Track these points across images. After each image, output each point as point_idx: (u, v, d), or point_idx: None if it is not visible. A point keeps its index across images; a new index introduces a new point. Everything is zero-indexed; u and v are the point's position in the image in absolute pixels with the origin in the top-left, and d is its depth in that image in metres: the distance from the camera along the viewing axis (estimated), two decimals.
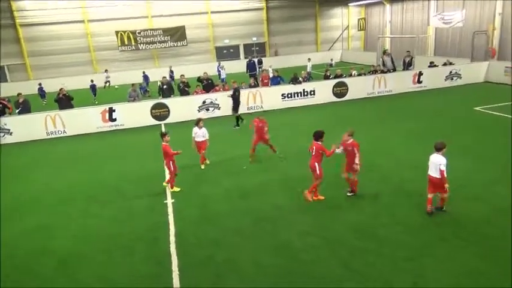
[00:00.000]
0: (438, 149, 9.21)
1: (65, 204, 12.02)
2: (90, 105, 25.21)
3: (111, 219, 10.77)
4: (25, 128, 20.45)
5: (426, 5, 38.35)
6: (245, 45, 48.72)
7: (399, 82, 25.52)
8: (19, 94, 21.89)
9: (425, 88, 25.82)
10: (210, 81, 23.61)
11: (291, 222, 9.77)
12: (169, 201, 11.60)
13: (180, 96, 23.50)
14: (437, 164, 9.06)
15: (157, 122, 21.82)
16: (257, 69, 35.08)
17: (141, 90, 29.42)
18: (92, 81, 32.22)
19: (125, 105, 22.10)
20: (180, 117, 21.61)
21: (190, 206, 11.13)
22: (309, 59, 37.33)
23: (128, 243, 9.43)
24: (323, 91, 24.30)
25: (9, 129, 20.26)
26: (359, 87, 24.87)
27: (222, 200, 11.43)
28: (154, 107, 21.97)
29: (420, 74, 25.80)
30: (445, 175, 9.04)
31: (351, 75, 26.22)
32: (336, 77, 25.59)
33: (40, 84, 33.62)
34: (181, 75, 25.02)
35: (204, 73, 24.03)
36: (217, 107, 22.37)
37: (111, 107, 21.38)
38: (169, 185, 12.35)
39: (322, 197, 10.84)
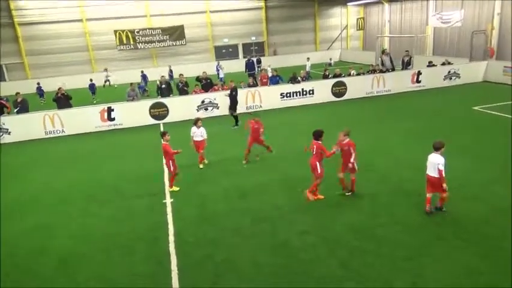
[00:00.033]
0: (436, 149, 9.22)
1: (64, 203, 12.02)
2: (88, 104, 25.23)
3: (110, 219, 10.78)
4: (23, 127, 20.42)
5: (425, 5, 38.37)
6: (244, 45, 48.70)
7: (398, 82, 25.53)
8: (17, 93, 21.86)
9: (424, 88, 25.84)
10: (209, 81, 23.58)
11: (290, 222, 9.77)
12: (168, 200, 11.60)
13: (178, 95, 23.49)
14: (435, 163, 9.07)
15: (156, 122, 21.81)
16: (256, 69, 35.10)
17: (139, 90, 29.40)
18: (91, 80, 32.20)
19: (123, 105, 22.08)
20: (179, 117, 21.60)
21: (190, 206, 11.13)
22: (308, 59, 37.35)
23: (127, 242, 9.43)
24: (322, 91, 24.31)
25: (7, 129, 20.24)
26: (358, 86, 24.89)
27: (221, 199, 11.43)
28: (153, 107, 21.96)
29: (419, 73, 25.81)
30: (444, 175, 9.05)
31: (349, 75, 26.27)
32: (334, 76, 25.61)
33: (38, 83, 33.67)
34: (180, 75, 24.98)
35: (203, 72, 24.01)
36: (216, 106, 22.36)
37: (110, 107, 21.37)
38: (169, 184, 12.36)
39: (322, 197, 10.86)
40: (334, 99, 24.52)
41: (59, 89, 21.85)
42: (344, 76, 25.75)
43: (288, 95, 23.79)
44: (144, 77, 34.67)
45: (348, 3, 48.59)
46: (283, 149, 15.50)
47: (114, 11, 42.90)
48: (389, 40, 44.78)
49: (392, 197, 10.71)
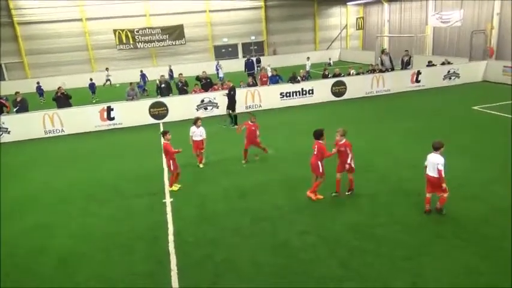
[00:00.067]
0: (436, 148, 9.21)
1: (64, 203, 12.02)
2: (88, 104, 25.22)
3: (110, 218, 10.78)
4: (23, 126, 20.42)
5: (424, 4, 38.37)
6: (243, 44, 48.69)
7: (397, 81, 25.55)
8: (17, 93, 21.85)
9: (423, 87, 25.86)
10: (208, 80, 23.58)
11: (290, 222, 9.77)
12: (168, 200, 11.60)
13: (178, 95, 23.49)
14: (435, 163, 9.06)
15: (155, 121, 21.82)
16: (255, 68, 35.11)
17: (139, 89, 29.40)
18: (91, 79, 32.21)
19: (123, 104, 22.08)
20: (178, 116, 21.61)
21: (189, 205, 11.13)
22: (308, 58, 37.36)
23: (126, 242, 9.43)
24: (321, 90, 24.32)
25: (7, 128, 20.24)
26: (357, 86, 24.90)
27: (221, 199, 11.43)
28: (152, 106, 21.96)
29: (418, 73, 25.83)
30: (443, 175, 9.05)
31: (349, 75, 26.27)
32: (334, 76, 25.62)
33: (38, 82, 33.69)
34: (179, 74, 25.01)
35: (203, 72, 24.02)
36: (215, 105, 22.36)
37: (110, 106, 21.37)
38: (168, 183, 12.37)
39: (321, 196, 10.85)
40: (333, 98, 24.54)
41: (59, 88, 21.85)
42: (344, 76, 25.76)
43: (288, 94, 23.80)
44: (143, 76, 34.70)
45: (348, 3, 48.61)
46: (283, 148, 15.52)
47: (114, 10, 42.88)
48: (389, 40, 44.77)
49: (392, 197, 10.71)
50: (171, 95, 23.58)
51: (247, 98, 22.89)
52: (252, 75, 29.72)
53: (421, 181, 9.85)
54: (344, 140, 10.49)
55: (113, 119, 21.44)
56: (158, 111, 22.00)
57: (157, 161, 15.14)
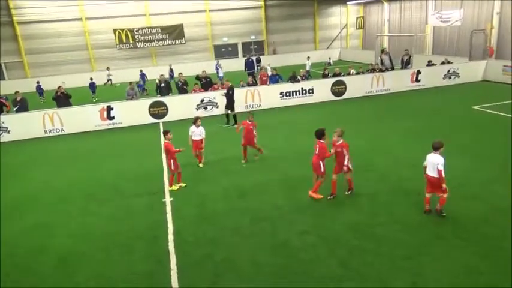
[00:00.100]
0: (436, 148, 9.17)
1: (63, 202, 12.02)
2: (88, 103, 25.22)
3: (109, 218, 10.78)
4: (23, 126, 20.41)
5: (424, 4, 38.36)
6: (243, 44, 48.68)
7: (397, 81, 25.54)
8: (17, 92, 21.86)
9: (423, 87, 25.85)
10: (208, 80, 23.58)
11: (290, 222, 9.77)
12: (168, 199, 11.60)
13: (178, 94, 23.49)
14: (435, 163, 9.03)
15: (155, 121, 21.81)
16: (255, 68, 35.09)
17: (139, 88, 29.39)
18: (91, 79, 32.20)
19: (123, 104, 22.07)
20: (178, 116, 21.60)
21: (189, 205, 11.13)
22: (308, 57, 37.33)
23: (126, 241, 9.43)
24: (321, 90, 24.32)
25: (7, 128, 20.23)
26: (357, 85, 24.89)
27: (221, 199, 11.42)
28: (152, 105, 21.95)
29: (418, 72, 25.82)
30: (443, 175, 9.04)
31: (349, 74, 26.26)
32: (334, 75, 25.61)
33: (38, 82, 33.68)
34: (179, 74, 25.03)
35: (203, 71, 24.01)
36: (215, 105, 22.35)
37: (110, 105, 21.36)
38: (169, 182, 12.38)
39: (321, 196, 10.83)
40: (333, 98, 24.53)
41: (59, 87, 21.84)
42: (343, 75, 25.75)
43: (288, 94, 23.79)
44: (142, 76, 34.69)
45: (348, 2, 48.59)
46: (283, 148, 15.53)
47: (114, 9, 42.87)
48: (389, 39, 44.77)
49: (392, 196, 10.71)
50: (170, 94, 23.57)
51: (247, 98, 22.89)
52: (252, 74, 29.73)
53: (421, 181, 9.84)
54: (341, 141, 10.46)
55: (112, 118, 21.43)
56: (158, 110, 21.99)
57: (157, 160, 15.14)
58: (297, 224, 9.61)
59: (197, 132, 13.71)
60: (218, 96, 21.92)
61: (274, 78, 25.67)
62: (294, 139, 16.57)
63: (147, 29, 43.98)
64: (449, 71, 26.52)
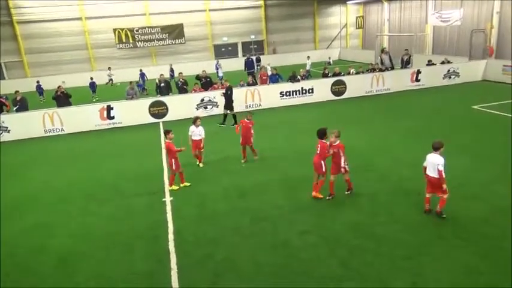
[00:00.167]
0: (436, 149, 9.15)
1: (63, 202, 12.01)
2: (88, 102, 25.20)
3: (109, 218, 10.77)
4: (23, 125, 20.41)
5: (424, 4, 38.36)
6: (243, 43, 48.68)
7: (397, 80, 25.53)
8: (16, 92, 21.86)
9: (423, 86, 25.85)
10: (208, 79, 23.59)
11: (290, 222, 9.77)
12: (168, 199, 11.60)
13: (178, 94, 23.48)
14: (435, 164, 9.01)
15: (155, 120, 21.80)
16: (255, 67, 35.09)
17: (139, 88, 29.38)
18: (91, 78, 32.20)
19: (123, 103, 22.06)
20: (178, 115, 21.58)
21: (189, 205, 11.13)
22: (308, 57, 37.32)
23: (126, 241, 9.43)
24: (321, 89, 24.31)
25: (7, 127, 20.22)
26: (357, 85, 24.89)
27: (221, 198, 11.42)
28: (152, 105, 21.94)
29: (418, 72, 25.81)
30: (444, 175, 9.03)
31: (349, 74, 26.25)
32: (334, 75, 25.61)
33: (38, 81, 33.68)
34: (179, 73, 25.04)
35: (203, 71, 24.00)
36: (215, 105, 22.33)
37: (110, 105, 21.35)
38: (169, 182, 12.39)
39: (321, 196, 10.83)
40: (333, 98, 24.53)
41: (59, 87, 21.84)
42: (343, 75, 25.75)
43: (288, 93, 23.78)
44: (142, 75, 34.67)
45: (347, 2, 48.62)
46: (283, 148, 15.53)
47: (114, 9, 42.89)
48: (389, 39, 44.78)
49: (392, 196, 10.71)
50: (170, 94, 23.56)
51: (247, 97, 22.88)
52: (252, 74, 29.74)
53: (421, 180, 9.83)
54: (338, 142, 10.45)
55: (112, 118, 21.43)
56: (158, 110, 21.98)
57: (157, 160, 15.14)
58: (297, 224, 9.61)
59: (197, 132, 13.69)
60: (218, 95, 21.92)
61: (274, 78, 25.68)
62: (294, 139, 16.57)
63: (147, 29, 44.00)
64: (449, 70, 26.51)
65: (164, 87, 23.47)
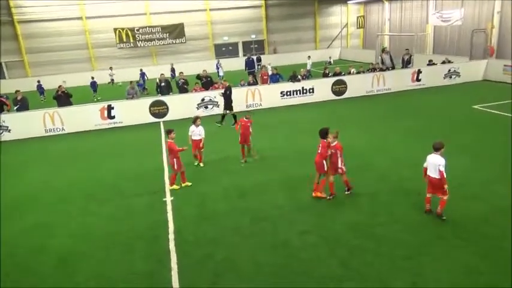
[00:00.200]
0: (436, 149, 9.13)
1: (63, 202, 12.01)
2: (89, 102, 25.19)
3: (109, 218, 10.77)
4: (23, 125, 20.42)
5: (425, 3, 38.34)
6: (244, 43, 48.65)
7: (398, 80, 25.52)
8: (17, 91, 21.83)
9: (424, 86, 25.83)
10: (209, 79, 23.58)
11: (290, 222, 9.77)
12: (169, 199, 11.60)
13: (178, 93, 23.48)
14: (436, 164, 8.99)
15: (156, 120, 21.79)
16: (256, 67, 35.06)
17: (139, 88, 29.38)
18: (92, 78, 32.18)
19: (123, 103, 22.06)
20: (179, 115, 21.56)
21: (189, 205, 11.13)
22: (309, 57, 37.22)
23: (126, 241, 9.44)
24: (322, 89, 24.30)
25: (7, 127, 20.24)
26: (358, 85, 24.87)
27: (221, 198, 11.42)
28: (153, 105, 21.93)
29: (419, 72, 25.79)
30: (445, 176, 9.01)
31: (349, 73, 26.22)
32: (334, 75, 25.59)
33: (39, 81, 33.66)
34: (180, 73, 25.05)
35: (203, 71, 23.99)
36: (215, 104, 22.32)
37: (110, 105, 21.36)
38: (170, 182, 12.39)
39: (324, 195, 10.80)
40: (334, 97, 24.51)
41: (59, 86, 21.86)
42: (344, 74, 25.73)
43: (288, 93, 23.77)
44: (142, 75, 34.65)
45: (348, 2, 48.57)
46: (283, 147, 15.52)
47: (114, 8, 42.83)
48: (390, 38, 44.75)
49: (392, 196, 10.70)
50: (171, 93, 23.56)
51: (247, 97, 22.87)
52: (253, 73, 29.72)
53: (421, 181, 9.80)
54: (336, 142, 10.44)
55: (113, 117, 21.43)
56: (158, 109, 21.98)
57: (158, 159, 15.15)
58: (297, 224, 9.61)
59: (197, 132, 13.69)
60: (219, 95, 21.91)
61: (275, 78, 25.66)
62: (294, 138, 16.56)
63: (147, 28, 43.98)
64: (449, 70, 26.49)
65: (165, 86, 23.48)
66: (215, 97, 22.19)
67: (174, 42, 45.19)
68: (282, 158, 14.40)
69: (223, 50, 48.04)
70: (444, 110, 19.77)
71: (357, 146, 14.72)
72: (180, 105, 22.15)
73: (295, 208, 10.46)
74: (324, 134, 10.55)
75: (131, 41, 43.73)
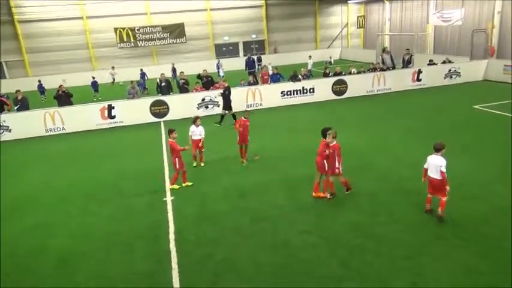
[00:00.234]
0: (437, 150, 9.10)
1: (63, 202, 12.01)
2: (89, 102, 25.20)
3: (110, 218, 10.77)
4: (24, 124, 20.42)
5: (425, 3, 38.32)
6: (244, 43, 48.65)
7: (398, 80, 25.52)
8: (17, 91, 21.84)
9: (424, 86, 25.83)
10: (209, 79, 23.59)
11: (290, 222, 9.77)
12: (169, 198, 11.60)
13: (179, 93, 23.49)
14: (437, 165, 8.96)
15: (156, 120, 21.80)
16: (256, 67, 35.08)
17: (139, 87, 29.38)
18: (93, 77, 32.17)
19: (124, 103, 22.07)
20: (179, 115, 21.55)
21: (190, 204, 11.13)
22: (310, 56, 37.16)
23: (127, 241, 9.44)
24: (322, 89, 24.30)
25: (8, 126, 20.24)
26: (358, 85, 24.87)
27: (221, 198, 11.42)
28: (153, 104, 21.94)
29: (419, 72, 25.79)
30: (446, 177, 8.98)
31: (350, 73, 26.21)
32: (335, 74, 25.59)
33: (40, 81, 33.66)
34: (180, 72, 25.06)
35: (204, 70, 23.99)
36: (216, 104, 22.31)
37: (111, 104, 21.36)
38: (172, 181, 12.40)
39: (326, 195, 10.80)
40: (334, 97, 24.51)
41: (60, 86, 21.88)
42: (344, 74, 25.72)
43: (289, 93, 23.77)
44: (143, 75, 34.63)
45: (349, 1, 48.55)
46: (283, 147, 15.50)
47: (115, 8, 42.83)
48: (390, 38, 44.70)
49: (392, 196, 10.70)
50: (171, 93, 23.57)
51: (248, 97, 22.87)
52: (253, 73, 29.73)
53: (421, 180, 9.79)
54: (334, 143, 10.41)
55: (113, 117, 21.44)
56: (159, 109, 21.98)
57: (158, 159, 15.15)
58: (298, 224, 9.61)
59: (197, 132, 13.69)
60: (219, 95, 21.91)
61: (275, 77, 25.65)
62: (294, 138, 16.55)
63: (148, 28, 43.98)
64: (450, 70, 26.49)
65: (165, 86, 23.50)
66: (215, 97, 22.18)
67: (174, 42, 45.19)
68: (282, 158, 14.39)
69: (224, 50, 48.04)
70: (444, 110, 19.76)
71: (357, 145, 14.72)
72: (181, 105, 22.16)
73: (295, 208, 10.46)
74: (324, 133, 10.54)
75: (132, 40, 43.74)
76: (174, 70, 36.16)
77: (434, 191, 9.31)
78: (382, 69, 26.12)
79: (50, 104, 23.93)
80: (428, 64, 27.20)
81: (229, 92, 19.44)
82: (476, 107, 19.77)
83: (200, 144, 13.75)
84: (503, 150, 13.44)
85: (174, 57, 44.47)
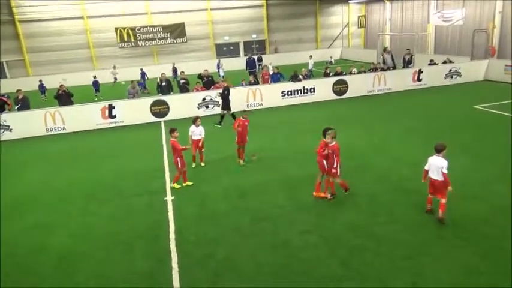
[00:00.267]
0: (438, 151, 9.06)
1: (63, 202, 12.01)
2: (90, 101, 25.20)
3: (110, 217, 10.77)
4: (24, 124, 20.44)
5: (426, 3, 38.29)
6: (245, 43, 48.65)
7: (399, 80, 25.51)
8: (18, 91, 21.87)
9: (425, 86, 25.82)
10: (210, 79, 23.60)
11: (290, 222, 9.76)
12: (169, 198, 11.60)
13: (179, 93, 23.49)
14: (439, 167, 8.93)
15: (157, 119, 21.80)
16: (257, 67, 35.08)
17: (140, 87, 29.38)
18: (94, 77, 32.18)
19: (124, 102, 22.07)
20: (180, 115, 21.55)
21: (190, 204, 11.12)
22: (311, 56, 37.09)
23: (127, 240, 9.43)
24: (323, 89, 24.29)
25: (8, 126, 20.26)
26: (359, 85, 24.85)
27: (221, 198, 11.41)
28: (154, 104, 21.93)
29: (420, 72, 25.77)
30: (448, 178, 8.95)
31: (350, 73, 26.19)
32: (335, 74, 25.58)
33: (40, 80, 33.70)
34: (181, 72, 25.09)
35: (205, 70, 24.00)
36: (216, 104, 22.29)
37: (111, 104, 21.37)
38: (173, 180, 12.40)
39: (327, 195, 10.80)
40: (335, 97, 24.50)
41: (61, 86, 21.89)
42: (345, 74, 25.71)
43: (289, 93, 23.77)
44: (143, 74, 34.63)
45: (349, 1, 48.53)
46: (283, 147, 15.50)
47: (115, 8, 42.88)
48: (391, 38, 44.68)
49: (392, 196, 10.69)
50: (172, 93, 23.57)
51: (248, 97, 22.87)
52: (254, 73, 29.73)
53: (421, 180, 9.78)
54: (333, 143, 10.39)
55: (114, 117, 21.44)
56: (159, 109, 21.98)
57: (158, 159, 15.15)
58: (298, 224, 9.60)
59: (197, 132, 13.67)
60: (217, 95, 21.91)
61: (276, 77, 25.65)
62: (294, 138, 16.54)
63: (148, 28, 44.00)
64: (451, 70, 26.47)
65: (165, 86, 23.51)
66: (216, 97, 22.16)
67: (175, 41, 45.21)
68: (282, 158, 14.39)
69: (225, 50, 48.05)
70: (445, 110, 19.75)
71: (357, 145, 14.72)
72: (181, 105, 22.15)
73: (296, 208, 10.45)
74: (324, 133, 10.53)
75: (132, 40, 43.77)
76: (175, 70, 36.19)
77: (435, 192, 9.28)
78: (382, 69, 26.13)
79: (50, 104, 23.94)
80: (429, 64, 27.19)
81: (228, 92, 19.43)
82: (477, 107, 19.76)
83: (200, 144, 13.74)
84: (503, 150, 13.43)
85: (175, 57, 44.52)
